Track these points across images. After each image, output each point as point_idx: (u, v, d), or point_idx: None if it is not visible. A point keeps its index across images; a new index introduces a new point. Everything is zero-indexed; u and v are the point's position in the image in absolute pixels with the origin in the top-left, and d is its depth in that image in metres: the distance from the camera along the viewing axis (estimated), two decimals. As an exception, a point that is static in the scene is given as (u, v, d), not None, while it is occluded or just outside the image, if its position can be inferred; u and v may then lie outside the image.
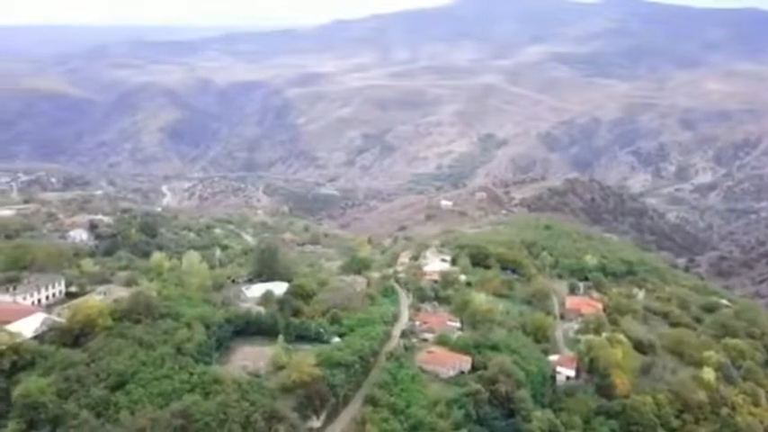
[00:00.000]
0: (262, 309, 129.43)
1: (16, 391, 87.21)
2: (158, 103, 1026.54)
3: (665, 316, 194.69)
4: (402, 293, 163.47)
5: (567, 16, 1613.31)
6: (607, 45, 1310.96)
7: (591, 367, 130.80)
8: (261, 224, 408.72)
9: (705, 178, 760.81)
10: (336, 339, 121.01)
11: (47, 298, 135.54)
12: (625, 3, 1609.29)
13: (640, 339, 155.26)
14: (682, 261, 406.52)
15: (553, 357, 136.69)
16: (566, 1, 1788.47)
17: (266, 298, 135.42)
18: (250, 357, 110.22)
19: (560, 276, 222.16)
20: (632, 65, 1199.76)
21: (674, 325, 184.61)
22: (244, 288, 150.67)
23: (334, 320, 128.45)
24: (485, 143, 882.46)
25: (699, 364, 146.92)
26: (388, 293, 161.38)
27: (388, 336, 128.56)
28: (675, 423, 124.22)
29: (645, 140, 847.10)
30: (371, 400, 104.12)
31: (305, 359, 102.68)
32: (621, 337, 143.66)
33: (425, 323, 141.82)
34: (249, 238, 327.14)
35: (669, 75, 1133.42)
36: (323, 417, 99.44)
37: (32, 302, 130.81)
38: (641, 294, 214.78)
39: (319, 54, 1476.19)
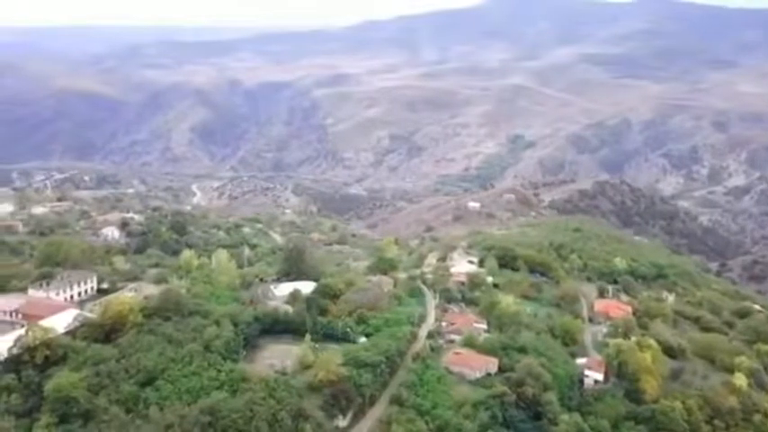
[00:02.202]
0: (289, 307, 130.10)
1: (49, 386, 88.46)
2: (189, 103, 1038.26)
3: (696, 320, 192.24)
4: (429, 294, 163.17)
5: (598, 17, 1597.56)
6: (639, 46, 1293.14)
7: (620, 371, 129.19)
8: (289, 223, 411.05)
9: (738, 181, 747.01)
10: (363, 339, 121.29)
11: (79, 294, 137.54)
12: (657, 3, 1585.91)
13: (670, 344, 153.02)
14: (714, 265, 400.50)
15: (581, 361, 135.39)
16: (596, 1, 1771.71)
17: (294, 297, 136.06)
18: (277, 356, 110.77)
19: (589, 279, 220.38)
20: (665, 66, 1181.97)
21: (705, 330, 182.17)
22: (272, 287, 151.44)
23: (361, 320, 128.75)
24: (513, 144, 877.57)
25: (730, 369, 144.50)
26: (415, 294, 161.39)
27: (414, 336, 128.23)
28: (706, 429, 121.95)
29: (677, 142, 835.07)
30: (397, 401, 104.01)
31: (332, 358, 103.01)
32: (651, 341, 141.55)
33: (452, 324, 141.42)
34: (277, 238, 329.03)
35: (702, 76, 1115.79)
36: (349, 416, 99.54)
37: (65, 298, 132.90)
38: (671, 298, 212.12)
39: (348, 55, 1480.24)
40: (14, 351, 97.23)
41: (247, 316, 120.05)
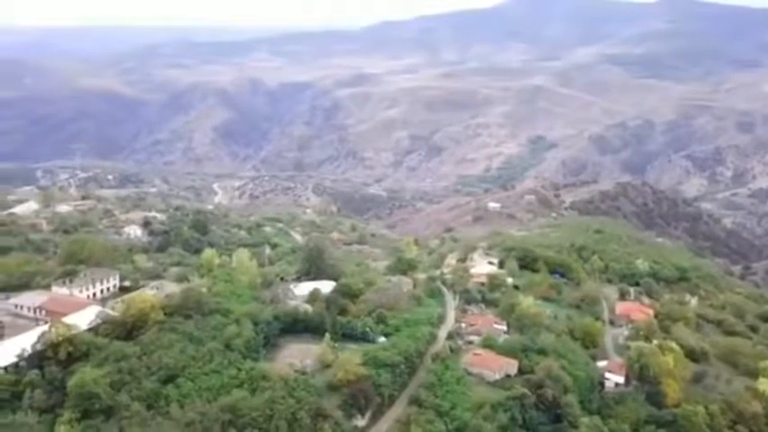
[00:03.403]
0: (309, 307, 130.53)
1: (71, 382, 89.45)
2: (210, 103, 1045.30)
3: (719, 324, 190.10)
4: (448, 295, 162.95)
5: (619, 17, 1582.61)
6: (661, 46, 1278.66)
7: (641, 375, 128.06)
8: (309, 223, 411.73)
9: (763, 183, 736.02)
10: (382, 339, 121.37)
11: (102, 292, 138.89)
12: (679, 3, 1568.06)
13: (693, 347, 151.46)
14: (737, 268, 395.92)
15: (602, 363, 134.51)
16: (617, 1, 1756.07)
17: (314, 296, 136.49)
18: (297, 355, 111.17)
19: (610, 281, 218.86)
20: (687, 66, 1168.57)
21: (729, 333, 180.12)
22: (292, 286, 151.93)
23: (380, 320, 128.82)
24: (534, 145, 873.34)
25: (754, 374, 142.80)
26: (435, 295, 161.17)
27: (433, 337, 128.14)
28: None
29: (700, 144, 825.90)
30: (416, 401, 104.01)
31: (351, 358, 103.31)
32: (673, 344, 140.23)
33: (472, 325, 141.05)
34: (298, 237, 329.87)
35: (726, 76, 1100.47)
36: (368, 416, 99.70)
37: (88, 296, 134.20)
38: (694, 301, 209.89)
39: (368, 55, 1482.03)
40: (38, 347, 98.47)
41: (267, 315, 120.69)
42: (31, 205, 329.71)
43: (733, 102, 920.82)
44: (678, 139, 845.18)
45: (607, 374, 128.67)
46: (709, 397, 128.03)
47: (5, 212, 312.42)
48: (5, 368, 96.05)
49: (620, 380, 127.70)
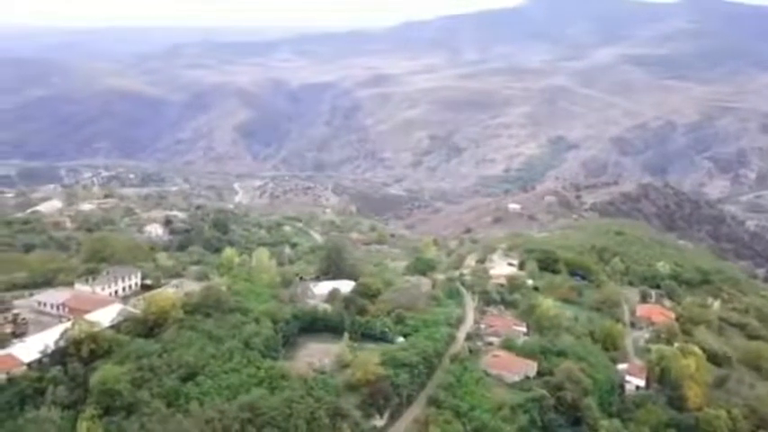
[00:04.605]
0: (328, 306, 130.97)
1: (94, 378, 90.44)
2: (231, 102, 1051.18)
3: (742, 328, 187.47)
4: (467, 296, 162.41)
5: (641, 17, 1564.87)
6: (683, 46, 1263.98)
7: (662, 378, 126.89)
8: (329, 223, 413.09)
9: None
10: (401, 339, 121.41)
11: (123, 289, 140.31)
12: (702, 3, 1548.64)
13: (715, 351, 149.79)
14: (761, 271, 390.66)
15: (622, 366, 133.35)
16: (639, 1, 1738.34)
17: (333, 296, 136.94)
18: (316, 354, 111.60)
19: (631, 283, 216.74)
20: (710, 67, 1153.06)
21: (752, 337, 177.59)
22: (311, 285, 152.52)
23: (399, 320, 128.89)
24: (555, 146, 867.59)
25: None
26: (454, 295, 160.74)
27: (452, 338, 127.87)
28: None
29: (723, 145, 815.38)
30: (435, 402, 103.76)
31: (370, 358, 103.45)
32: (695, 347, 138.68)
33: (491, 327, 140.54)
34: (317, 237, 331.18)
35: (750, 77, 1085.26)
36: (386, 416, 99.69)
37: (110, 293, 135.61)
38: (717, 304, 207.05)
39: (389, 55, 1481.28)
40: (61, 344, 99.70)
41: (287, 314, 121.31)
42: (55, 203, 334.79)
43: (757, 103, 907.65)
44: (701, 141, 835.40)
45: (627, 377, 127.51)
46: (731, 401, 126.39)
47: (30, 210, 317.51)
48: (29, 364, 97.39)
49: (641, 383, 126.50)
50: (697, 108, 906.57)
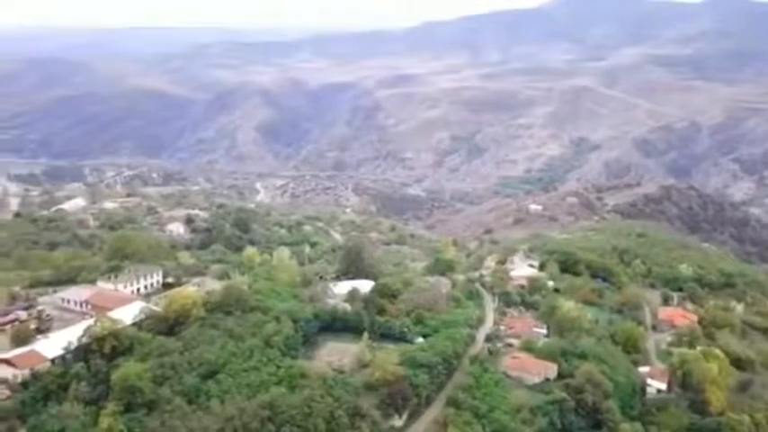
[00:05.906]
0: (348, 306, 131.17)
1: (115, 375, 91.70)
2: (253, 102, 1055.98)
3: (766, 332, 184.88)
4: (487, 297, 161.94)
5: (665, 17, 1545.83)
6: (708, 47, 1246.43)
7: (684, 381, 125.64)
8: (349, 223, 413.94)
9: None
10: (420, 340, 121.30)
11: (145, 287, 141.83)
12: (728, 3, 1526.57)
13: (738, 355, 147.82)
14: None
15: (643, 369, 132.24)
16: (663, 1, 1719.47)
17: (352, 295, 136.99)
18: (335, 353, 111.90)
19: (653, 286, 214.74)
20: (736, 67, 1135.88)
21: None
22: (331, 285, 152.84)
23: (419, 321, 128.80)
24: (577, 147, 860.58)
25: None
26: (473, 296, 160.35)
27: (472, 339, 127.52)
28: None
29: (749, 147, 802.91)
30: (454, 403, 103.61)
31: (389, 358, 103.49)
32: (718, 351, 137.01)
33: (511, 328, 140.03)
34: (337, 236, 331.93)
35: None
36: (405, 416, 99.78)
37: (132, 291, 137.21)
38: (740, 308, 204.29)
39: (410, 55, 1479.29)
40: (84, 340, 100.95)
41: (307, 313, 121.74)
42: (79, 202, 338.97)
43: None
44: (726, 142, 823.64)
45: (649, 380, 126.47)
46: (754, 406, 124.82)
47: (54, 208, 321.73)
48: (53, 360, 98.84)
49: (663, 386, 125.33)
50: (722, 109, 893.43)
